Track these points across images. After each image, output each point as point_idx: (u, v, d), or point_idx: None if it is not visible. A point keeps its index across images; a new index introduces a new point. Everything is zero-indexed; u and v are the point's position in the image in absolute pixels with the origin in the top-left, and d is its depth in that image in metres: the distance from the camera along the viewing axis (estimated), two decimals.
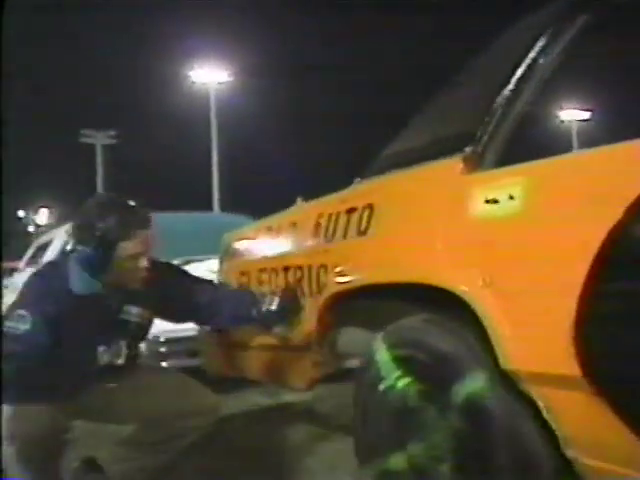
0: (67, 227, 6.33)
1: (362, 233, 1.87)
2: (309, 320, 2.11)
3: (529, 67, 1.63)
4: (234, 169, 30.47)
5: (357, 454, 1.85)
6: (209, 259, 3.79)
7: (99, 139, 32.55)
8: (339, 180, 2.26)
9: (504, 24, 1.86)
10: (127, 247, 2.07)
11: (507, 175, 1.49)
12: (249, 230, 2.87)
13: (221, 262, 2.95)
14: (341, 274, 1.94)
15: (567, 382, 1.27)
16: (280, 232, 2.42)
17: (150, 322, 2.34)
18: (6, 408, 1.92)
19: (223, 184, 27.10)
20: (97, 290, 2.11)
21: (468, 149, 1.62)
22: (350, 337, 2.10)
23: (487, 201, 1.46)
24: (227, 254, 2.88)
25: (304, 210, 2.36)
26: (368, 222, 1.85)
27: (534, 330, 1.33)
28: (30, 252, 7.52)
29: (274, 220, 2.55)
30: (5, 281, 6.75)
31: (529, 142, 1.94)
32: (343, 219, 1.97)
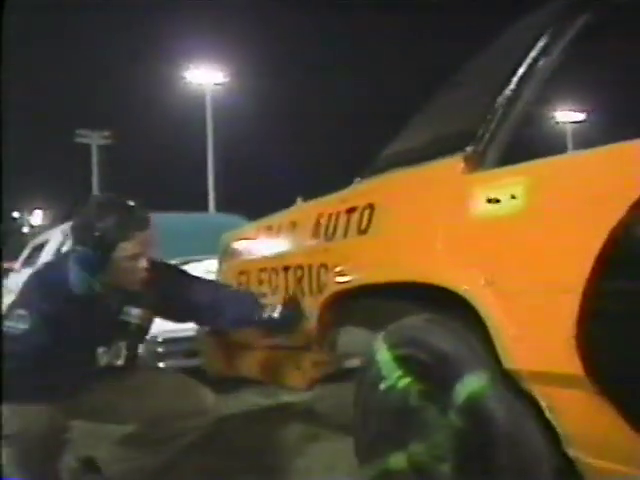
0: (63, 228, 6.31)
1: (363, 232, 1.87)
2: (309, 320, 2.11)
3: (529, 67, 1.64)
4: (229, 170, 30.50)
5: (357, 454, 1.85)
6: (207, 259, 3.78)
7: (94, 139, 32.47)
8: (336, 180, 2.26)
9: (504, 24, 1.86)
10: (126, 248, 2.06)
11: (509, 174, 1.50)
12: (249, 230, 2.87)
13: (220, 262, 2.94)
14: (342, 273, 1.94)
15: (569, 381, 1.27)
16: (280, 232, 2.41)
17: (150, 323, 2.34)
18: (6, 408, 1.91)
19: (219, 185, 27.10)
20: (96, 291, 2.11)
21: (469, 148, 1.63)
22: (350, 337, 2.10)
23: (489, 200, 1.46)
24: (226, 254, 2.88)
25: (304, 210, 2.36)
26: (369, 221, 1.85)
27: (536, 329, 1.33)
28: (26, 253, 7.50)
29: (274, 220, 2.54)
30: None
31: (530, 142, 1.94)
32: (343, 218, 1.97)
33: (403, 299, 1.79)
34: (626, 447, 1.23)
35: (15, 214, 42.47)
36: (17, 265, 7.61)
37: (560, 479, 1.40)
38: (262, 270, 2.45)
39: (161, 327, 2.66)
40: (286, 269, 2.27)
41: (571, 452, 1.35)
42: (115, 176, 30.52)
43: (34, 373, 1.99)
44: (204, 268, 3.31)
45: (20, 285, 2.21)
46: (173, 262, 2.79)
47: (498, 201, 1.44)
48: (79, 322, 2.09)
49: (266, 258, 2.47)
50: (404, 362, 1.67)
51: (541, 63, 1.64)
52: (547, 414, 1.35)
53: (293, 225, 2.32)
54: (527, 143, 1.82)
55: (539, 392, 1.36)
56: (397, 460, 1.69)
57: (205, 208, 23.84)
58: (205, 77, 27.96)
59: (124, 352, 2.23)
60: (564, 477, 1.39)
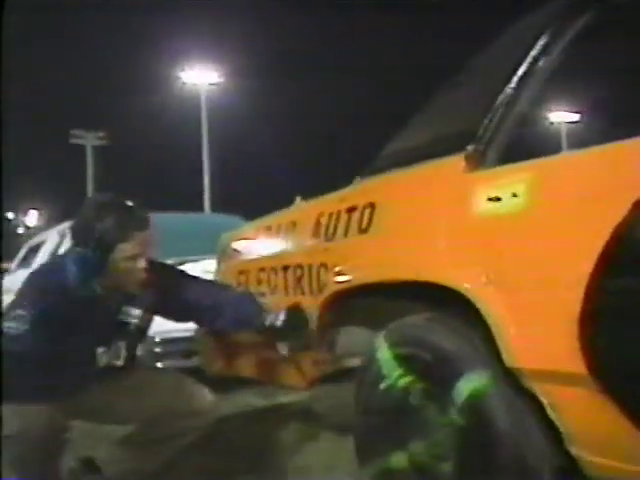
0: (59, 228, 6.30)
1: (363, 232, 1.87)
2: (313, 326, 2.10)
3: (530, 66, 1.64)
4: (225, 170, 30.46)
5: (357, 453, 1.85)
6: (204, 259, 3.78)
7: (89, 140, 32.36)
8: (332, 180, 2.26)
9: (504, 24, 1.86)
10: (125, 249, 2.05)
11: (510, 173, 1.50)
12: (248, 230, 2.86)
13: (219, 262, 2.94)
14: (342, 273, 1.94)
15: (572, 379, 1.27)
16: (280, 231, 2.41)
17: (149, 323, 2.33)
18: (5, 408, 1.90)
19: (214, 185, 27.08)
20: (96, 291, 2.11)
21: (470, 147, 1.63)
22: (351, 336, 2.10)
23: (490, 199, 1.47)
24: (225, 254, 2.87)
25: (304, 209, 2.36)
26: (369, 220, 1.86)
27: (538, 327, 1.33)
28: (22, 253, 7.47)
29: (273, 219, 2.54)
30: None
31: (530, 141, 1.95)
32: (344, 218, 1.97)
33: (403, 298, 1.79)
34: (629, 445, 1.23)
35: (10, 215, 42.29)
36: (13, 266, 7.59)
37: (562, 478, 1.40)
38: (261, 270, 2.45)
39: (158, 328, 2.65)
40: (285, 269, 2.26)
41: (573, 450, 1.35)
42: (110, 176, 30.44)
43: (34, 373, 1.98)
44: (201, 268, 3.31)
45: (16, 285, 2.21)
46: (169, 262, 2.79)
47: (499, 199, 1.44)
48: (78, 322, 2.09)
49: (265, 258, 2.47)
50: (405, 361, 1.67)
51: (541, 63, 1.65)
52: (549, 412, 1.36)
53: (293, 225, 2.32)
54: (527, 142, 1.83)
55: (541, 390, 1.36)
56: (398, 459, 1.69)
57: (200, 208, 23.81)
58: (200, 77, 27.93)
59: (123, 352, 2.23)
60: (566, 476, 1.40)
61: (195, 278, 2.41)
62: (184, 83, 28.24)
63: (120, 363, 2.22)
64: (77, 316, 2.08)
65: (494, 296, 1.41)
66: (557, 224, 1.32)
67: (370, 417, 1.80)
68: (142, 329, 2.30)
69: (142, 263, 2.12)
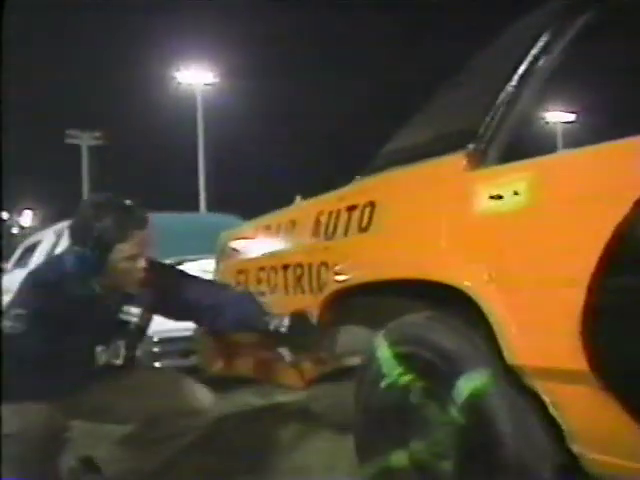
0: (55, 228, 6.29)
1: (364, 230, 1.87)
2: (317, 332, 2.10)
3: (530, 65, 1.64)
4: (220, 170, 30.46)
5: (357, 452, 1.85)
6: (202, 259, 3.78)
7: (84, 140, 32.33)
8: (331, 180, 2.26)
9: (504, 24, 1.87)
10: (124, 248, 2.05)
11: (511, 171, 1.50)
12: (247, 229, 2.86)
13: (218, 261, 2.94)
14: (342, 272, 1.94)
15: (574, 377, 1.28)
16: (279, 230, 2.41)
17: (149, 322, 2.33)
18: (5, 407, 1.90)
19: (210, 185, 27.07)
20: (95, 291, 2.11)
21: (471, 146, 1.63)
22: (351, 335, 2.10)
23: (491, 197, 1.47)
24: (224, 253, 2.87)
25: (304, 208, 2.36)
26: (370, 219, 1.86)
27: (540, 325, 1.34)
28: (18, 253, 7.45)
29: (273, 218, 2.54)
30: None
31: (531, 139, 1.95)
32: (344, 216, 1.97)
33: (403, 297, 1.80)
34: (630, 442, 1.24)
35: (4, 215, 42.17)
36: (9, 266, 7.56)
37: (564, 475, 1.41)
38: (261, 269, 2.45)
39: (157, 327, 2.65)
40: (285, 268, 2.26)
41: (575, 448, 1.35)
42: (105, 176, 30.38)
43: (33, 372, 1.98)
44: (199, 267, 3.30)
45: (13, 285, 2.20)
46: (167, 262, 2.79)
47: (501, 197, 1.45)
48: (78, 321, 2.09)
49: (265, 257, 2.46)
50: (405, 359, 1.68)
51: (541, 62, 1.65)
52: (551, 410, 1.36)
53: (292, 224, 2.32)
54: (528, 141, 1.83)
55: (543, 388, 1.36)
56: (398, 458, 1.69)
57: (196, 208, 23.80)
58: (195, 77, 27.92)
59: (123, 352, 2.23)
60: (568, 473, 1.40)
61: (195, 278, 2.41)
62: (179, 83, 28.24)
63: (119, 362, 2.22)
64: (76, 315, 2.08)
65: (495, 294, 1.41)
66: (559, 222, 1.33)
67: (370, 416, 1.80)
68: (142, 328, 2.30)
69: (141, 263, 2.11)
